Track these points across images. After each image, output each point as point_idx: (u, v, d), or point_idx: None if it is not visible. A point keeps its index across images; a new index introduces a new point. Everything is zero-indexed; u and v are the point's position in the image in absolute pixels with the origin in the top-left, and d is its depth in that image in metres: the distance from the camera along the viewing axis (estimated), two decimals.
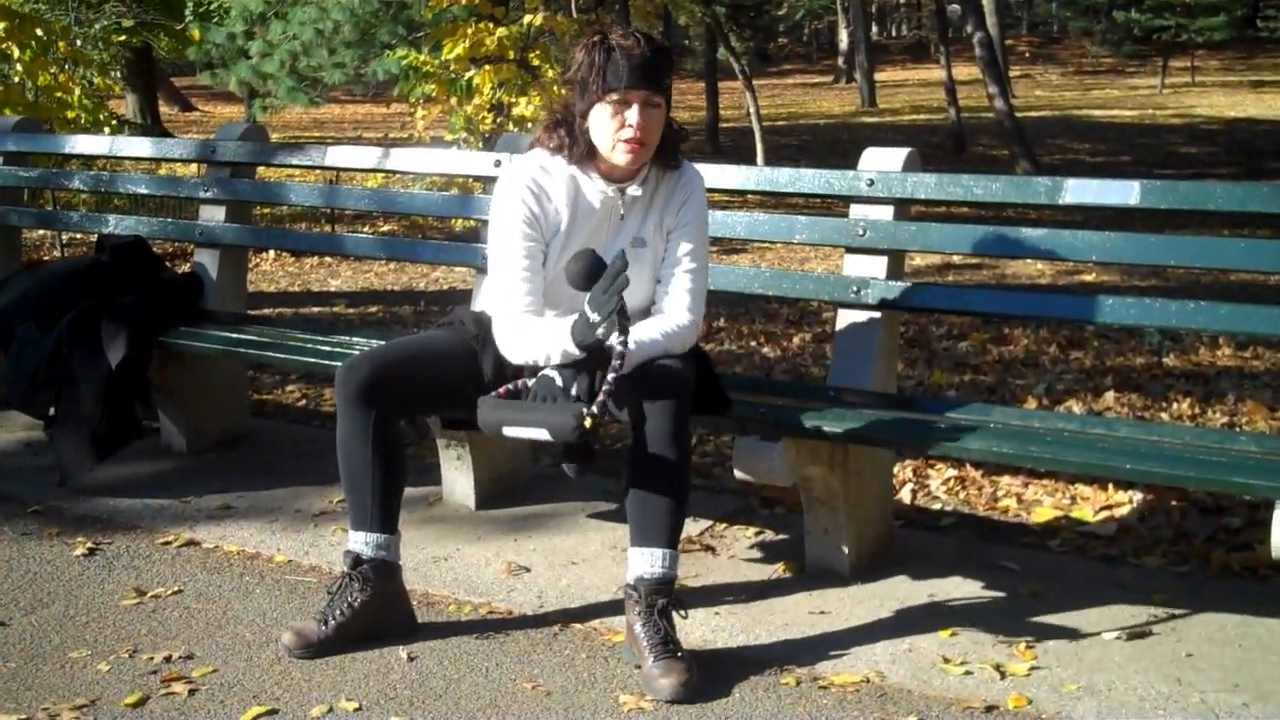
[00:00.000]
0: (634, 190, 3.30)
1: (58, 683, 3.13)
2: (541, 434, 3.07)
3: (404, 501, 3.44)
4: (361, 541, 3.32)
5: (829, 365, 4.06)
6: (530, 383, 3.20)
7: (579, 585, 3.68)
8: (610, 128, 3.20)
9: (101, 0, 18.39)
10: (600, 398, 3.04)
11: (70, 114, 10.05)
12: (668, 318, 3.30)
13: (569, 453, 3.18)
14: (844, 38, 41.57)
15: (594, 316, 3.04)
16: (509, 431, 3.12)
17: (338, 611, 3.29)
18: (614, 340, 3.06)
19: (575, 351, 3.12)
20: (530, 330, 3.23)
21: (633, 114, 3.18)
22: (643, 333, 3.22)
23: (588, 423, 3.00)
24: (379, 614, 3.33)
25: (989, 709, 2.95)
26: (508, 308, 3.29)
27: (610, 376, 3.04)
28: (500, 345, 3.32)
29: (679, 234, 3.35)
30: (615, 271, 3.03)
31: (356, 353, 3.59)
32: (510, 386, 3.21)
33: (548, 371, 3.19)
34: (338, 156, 5.24)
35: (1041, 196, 3.67)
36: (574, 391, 3.14)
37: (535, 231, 3.28)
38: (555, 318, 3.27)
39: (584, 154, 3.27)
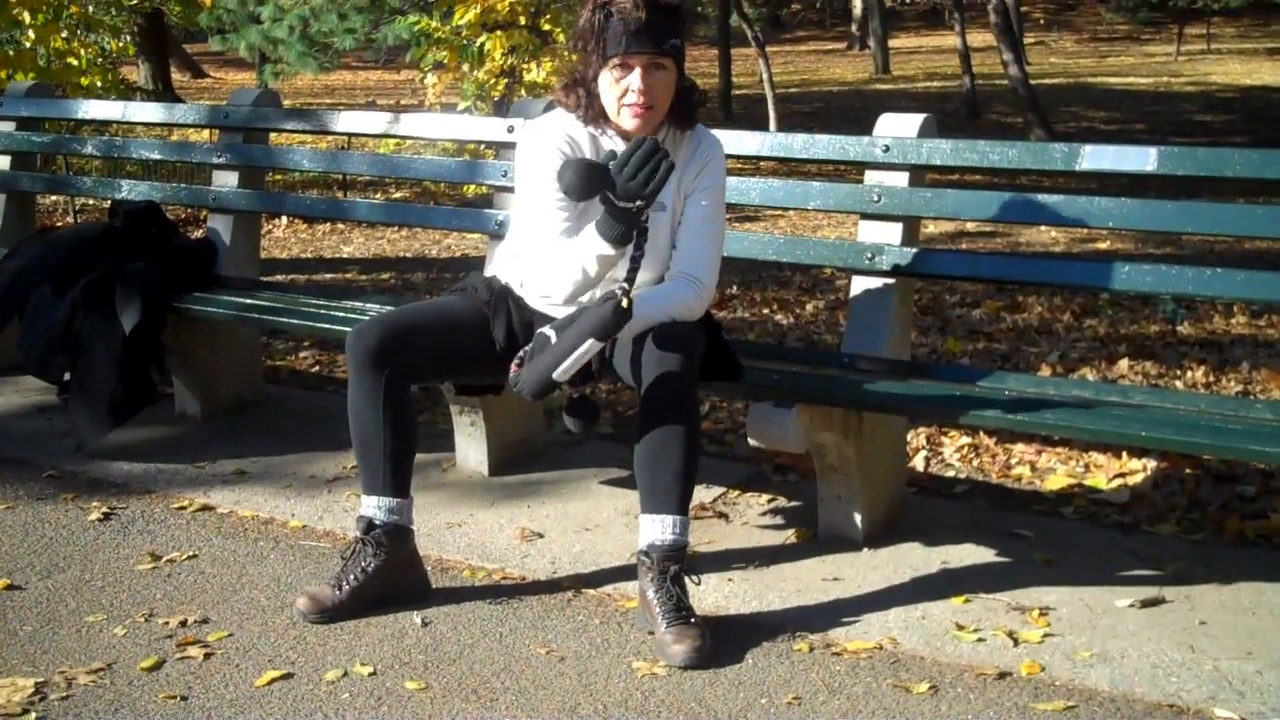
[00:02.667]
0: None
1: (74, 646, 3.15)
2: (588, 345, 3.04)
3: (417, 467, 3.44)
4: (374, 506, 3.33)
5: (842, 332, 4.05)
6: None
7: (592, 551, 3.68)
8: (614, 93, 3.19)
9: None
10: (627, 274, 3.04)
11: (85, 81, 10.04)
12: (680, 283, 3.29)
13: (572, 408, 3.19)
14: (857, 4, 41.30)
15: (626, 204, 3.00)
16: (560, 374, 3.08)
17: (351, 576, 3.30)
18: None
19: (610, 252, 3.08)
20: (562, 255, 3.18)
21: (634, 79, 3.16)
22: (653, 298, 3.21)
23: (625, 303, 3.01)
24: (393, 579, 3.34)
25: (1002, 676, 2.95)
26: (545, 244, 3.24)
27: (634, 254, 3.04)
28: (541, 283, 3.27)
29: (696, 198, 3.33)
30: (646, 154, 3.00)
31: (368, 318, 3.59)
32: (519, 359, 3.20)
33: (544, 330, 3.18)
34: (350, 122, 5.24)
35: (1058, 162, 3.65)
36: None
37: None
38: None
39: (598, 115, 3.25)
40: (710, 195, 3.35)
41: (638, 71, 3.16)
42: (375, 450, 3.31)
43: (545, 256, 3.24)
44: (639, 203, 3.01)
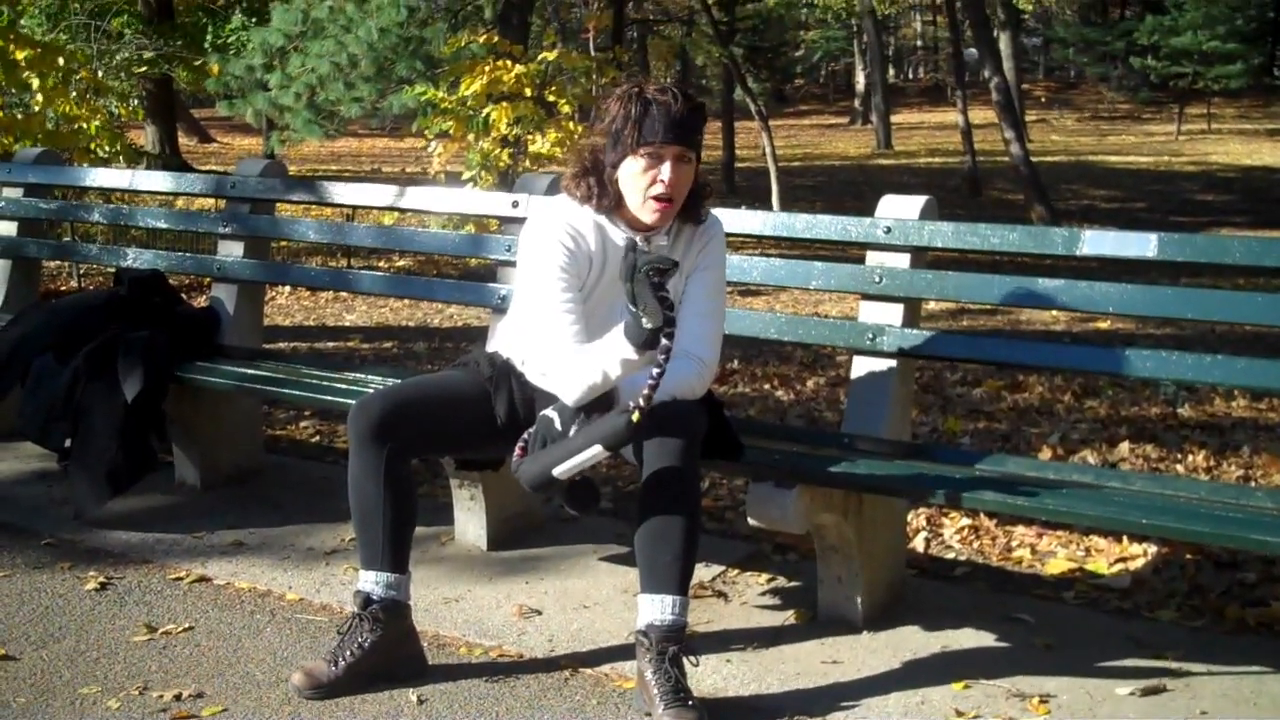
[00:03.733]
0: (660, 241, 3.30)
1: (68, 719, 3.12)
2: (595, 452, 3.03)
3: (416, 541, 3.43)
4: (372, 581, 3.32)
5: (843, 410, 4.05)
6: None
7: (590, 629, 3.67)
8: (642, 183, 3.20)
9: (120, 33, 18.53)
10: (645, 391, 2.99)
11: (94, 145, 10.10)
12: (681, 362, 3.26)
13: (573, 496, 3.17)
14: (861, 79, 41.71)
15: (647, 323, 2.95)
16: (560, 471, 3.07)
17: (348, 652, 3.28)
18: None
19: (634, 356, 3.04)
20: (584, 358, 3.16)
21: (665, 170, 3.18)
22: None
23: (635, 417, 2.98)
24: (389, 655, 3.32)
25: None
26: (560, 345, 3.21)
27: (655, 371, 2.98)
28: (557, 386, 3.23)
29: (696, 277, 3.35)
30: (651, 275, 2.93)
31: (370, 391, 3.59)
32: (523, 442, 3.20)
33: (547, 413, 3.18)
34: (356, 194, 5.28)
35: (1059, 247, 3.67)
36: (572, 433, 3.13)
37: (572, 274, 3.26)
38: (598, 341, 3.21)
39: (612, 204, 3.27)
40: (711, 273, 3.37)
41: (669, 163, 3.18)
42: (375, 524, 3.31)
43: (560, 360, 3.21)
44: (662, 324, 2.95)
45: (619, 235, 3.29)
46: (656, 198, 3.20)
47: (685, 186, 3.24)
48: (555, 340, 3.22)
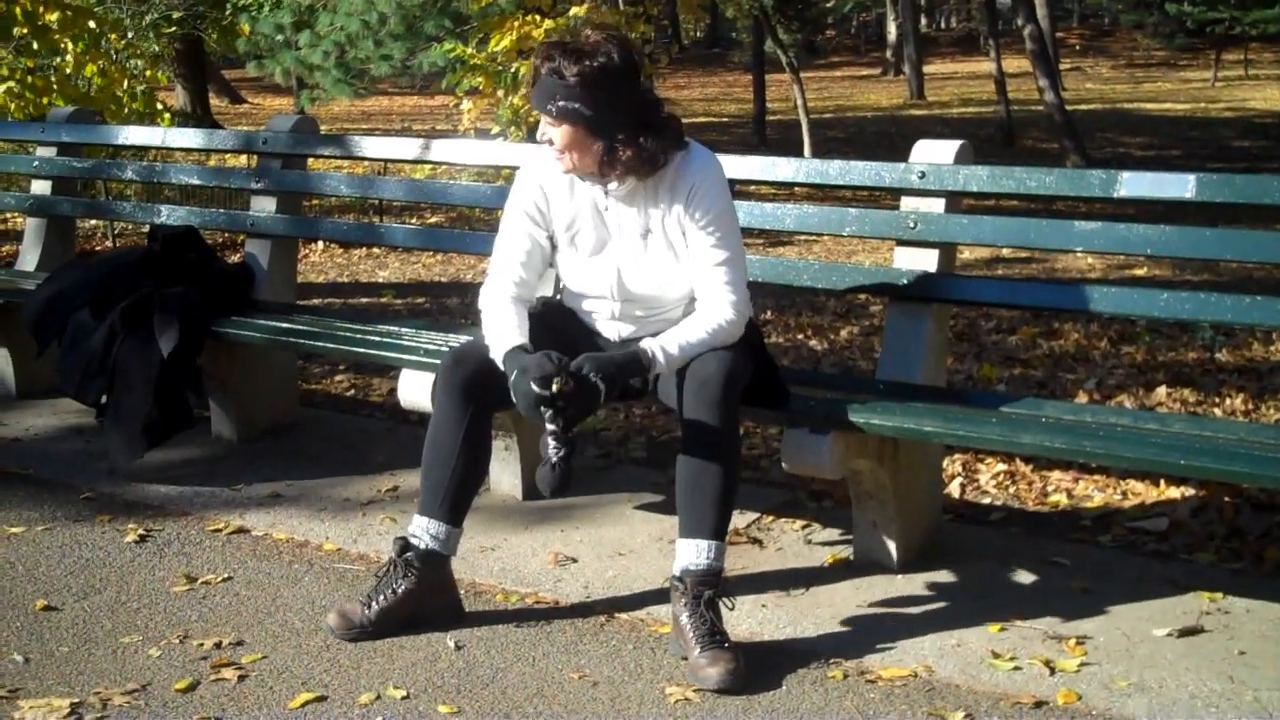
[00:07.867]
0: (612, 186, 3.32)
1: (109, 668, 3.16)
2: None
3: None
4: (422, 527, 3.34)
5: (877, 358, 4.04)
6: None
7: (626, 576, 3.68)
8: None
9: None
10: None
11: (115, 106, 10.08)
12: (709, 314, 3.28)
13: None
14: (892, 30, 41.31)
15: (538, 387, 3.05)
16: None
17: (382, 596, 3.31)
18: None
19: (501, 366, 3.22)
20: (493, 317, 3.34)
21: (546, 130, 3.27)
22: (686, 333, 3.23)
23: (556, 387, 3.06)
24: (424, 601, 3.34)
25: (1038, 705, 2.93)
26: (494, 287, 3.41)
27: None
28: (488, 335, 3.37)
29: (702, 231, 3.30)
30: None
31: (460, 344, 3.63)
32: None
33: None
34: (386, 148, 5.29)
35: (1095, 190, 3.63)
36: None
37: (539, 222, 3.41)
38: (512, 318, 3.33)
39: None
40: (713, 224, 3.30)
41: (545, 124, 3.27)
42: (444, 473, 3.32)
43: (485, 306, 3.39)
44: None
45: (583, 185, 3.37)
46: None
47: (566, 144, 3.24)
48: (490, 284, 3.41)
